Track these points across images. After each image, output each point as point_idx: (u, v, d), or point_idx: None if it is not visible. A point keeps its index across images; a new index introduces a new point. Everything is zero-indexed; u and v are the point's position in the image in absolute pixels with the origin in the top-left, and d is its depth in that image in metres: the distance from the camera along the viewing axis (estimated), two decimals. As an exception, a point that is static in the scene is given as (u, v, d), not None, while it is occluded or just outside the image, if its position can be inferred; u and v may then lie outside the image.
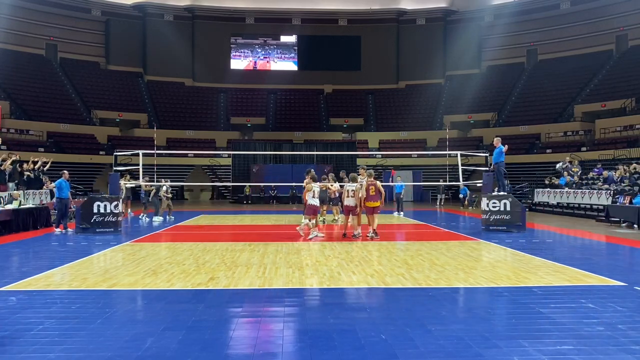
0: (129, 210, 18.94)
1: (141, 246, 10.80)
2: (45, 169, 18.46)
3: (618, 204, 16.79)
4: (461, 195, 26.25)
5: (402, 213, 20.39)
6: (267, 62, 47.39)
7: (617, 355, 4.17)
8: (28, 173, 17.56)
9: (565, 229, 14.90)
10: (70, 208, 15.41)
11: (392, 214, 20.80)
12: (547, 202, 22.63)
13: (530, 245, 10.93)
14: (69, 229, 13.74)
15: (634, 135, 30.37)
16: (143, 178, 16.15)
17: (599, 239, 12.38)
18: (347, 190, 12.28)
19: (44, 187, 18.13)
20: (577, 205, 20.22)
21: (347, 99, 45.61)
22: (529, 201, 24.05)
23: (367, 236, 11.97)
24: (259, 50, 47.31)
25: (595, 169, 22.08)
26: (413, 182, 30.89)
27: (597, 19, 39.91)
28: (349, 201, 12.23)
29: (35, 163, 18.21)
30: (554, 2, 41.78)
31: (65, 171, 14.29)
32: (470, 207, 24.68)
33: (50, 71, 40.80)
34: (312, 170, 13.01)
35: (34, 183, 17.78)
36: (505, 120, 39.48)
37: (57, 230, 13.50)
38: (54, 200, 14.70)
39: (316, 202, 12.25)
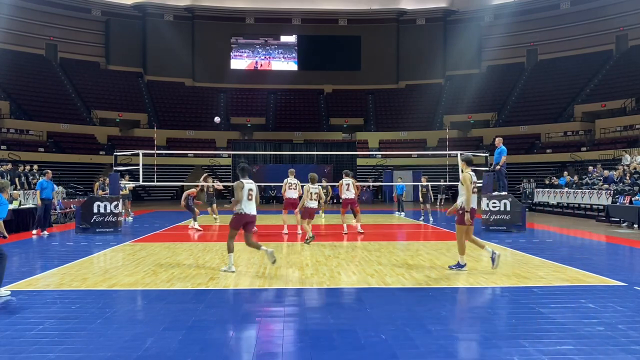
0: (130, 210, 18.91)
1: (141, 246, 10.80)
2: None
3: (618, 204, 16.79)
4: None
5: (402, 213, 20.40)
6: (268, 62, 47.38)
7: (617, 355, 4.17)
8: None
9: (565, 229, 14.90)
10: (54, 210, 15.22)
11: (393, 214, 20.82)
12: (547, 202, 22.63)
13: (530, 245, 10.93)
14: (46, 233, 13.00)
15: (634, 135, 30.37)
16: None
17: (599, 239, 12.38)
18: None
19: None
20: (577, 205, 20.22)
21: (347, 99, 45.61)
22: (528, 200, 24.07)
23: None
24: (260, 50, 47.30)
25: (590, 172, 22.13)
26: (413, 182, 30.87)
27: (597, 19, 39.91)
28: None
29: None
30: (554, 2, 41.79)
31: (48, 170, 13.90)
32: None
33: (50, 71, 40.80)
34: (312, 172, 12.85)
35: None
36: (505, 120, 39.47)
37: (35, 234, 12.76)
38: (54, 200, 14.69)
39: (313, 204, 11.76)
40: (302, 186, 12.78)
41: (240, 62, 46.91)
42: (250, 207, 7.65)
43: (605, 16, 39.35)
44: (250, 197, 7.70)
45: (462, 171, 7.66)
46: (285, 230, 13.09)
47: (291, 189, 13.05)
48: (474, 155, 8.49)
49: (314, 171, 13.63)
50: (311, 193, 11.50)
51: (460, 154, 7.74)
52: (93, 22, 43.60)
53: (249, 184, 7.73)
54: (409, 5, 45.95)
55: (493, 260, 7.55)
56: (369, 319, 5.25)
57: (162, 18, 45.23)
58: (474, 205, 7.50)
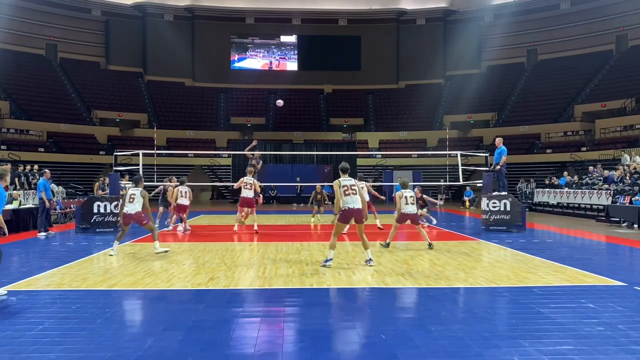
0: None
1: (141, 246, 10.80)
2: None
3: (618, 204, 16.79)
4: (466, 198, 26.23)
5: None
6: (269, 62, 47.38)
7: (617, 355, 4.17)
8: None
9: (565, 229, 14.89)
10: (54, 210, 15.18)
11: (393, 214, 20.76)
12: (547, 202, 22.62)
13: (530, 245, 10.93)
14: (50, 232, 13.10)
15: (634, 135, 30.36)
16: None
17: (599, 239, 12.37)
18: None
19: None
20: (577, 205, 20.21)
21: (347, 99, 45.60)
22: (528, 201, 24.06)
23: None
24: (275, 51, 47.32)
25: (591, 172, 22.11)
26: (413, 182, 30.88)
27: (597, 19, 39.91)
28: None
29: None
30: (554, 2, 41.78)
31: (46, 170, 13.88)
32: (472, 207, 24.68)
33: (50, 71, 40.79)
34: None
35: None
36: (505, 120, 39.46)
37: (44, 234, 12.77)
38: (54, 199, 14.67)
39: (410, 209, 10.87)
40: (260, 185, 13.66)
41: (243, 62, 46.89)
42: (128, 208, 9.59)
43: (605, 16, 39.34)
44: (131, 200, 9.64)
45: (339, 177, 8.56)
46: (236, 228, 13.48)
47: (246, 188, 13.09)
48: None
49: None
50: (406, 197, 10.56)
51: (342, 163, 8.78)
52: (93, 22, 43.59)
53: (131, 190, 9.80)
54: (409, 5, 45.95)
55: (368, 262, 8.34)
56: (369, 319, 5.25)
57: (162, 18, 45.22)
58: (351, 205, 8.18)
